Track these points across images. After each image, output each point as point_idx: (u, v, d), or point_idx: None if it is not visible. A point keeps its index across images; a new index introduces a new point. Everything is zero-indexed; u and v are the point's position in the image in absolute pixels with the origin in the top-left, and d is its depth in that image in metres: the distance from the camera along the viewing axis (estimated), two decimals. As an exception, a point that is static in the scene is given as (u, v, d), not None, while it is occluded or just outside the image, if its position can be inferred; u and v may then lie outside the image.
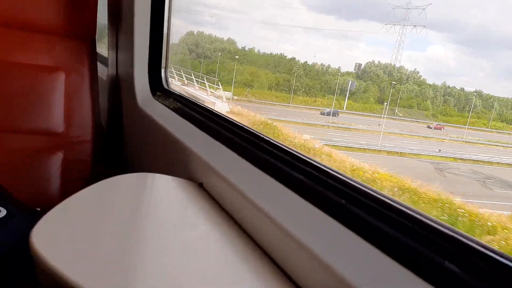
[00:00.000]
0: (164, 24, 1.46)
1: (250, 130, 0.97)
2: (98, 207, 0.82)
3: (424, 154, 12.27)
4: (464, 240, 0.48)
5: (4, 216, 1.04)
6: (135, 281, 0.60)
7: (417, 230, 0.53)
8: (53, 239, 0.66)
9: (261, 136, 0.92)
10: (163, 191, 0.92)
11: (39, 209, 1.18)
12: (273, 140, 0.88)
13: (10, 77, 1.43)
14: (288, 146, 0.84)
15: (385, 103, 18.34)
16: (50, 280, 0.58)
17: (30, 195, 1.21)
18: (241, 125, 1.01)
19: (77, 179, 1.46)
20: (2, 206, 1.05)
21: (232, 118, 1.07)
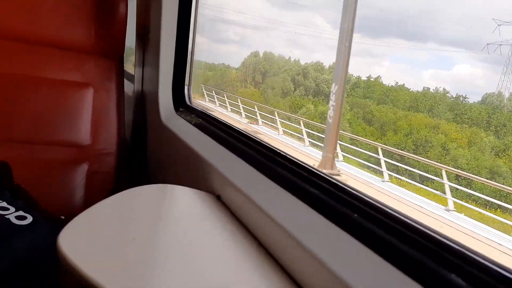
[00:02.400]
0: (189, 44, 1.53)
1: (267, 145, 1.00)
2: (121, 215, 0.86)
3: None
4: (471, 255, 0.49)
5: (30, 222, 1.08)
6: (155, 284, 0.62)
7: (427, 244, 0.54)
8: (79, 244, 0.70)
9: (278, 151, 0.95)
10: (182, 201, 0.95)
11: (63, 217, 1.22)
12: (289, 155, 0.91)
13: (42, 92, 1.51)
14: (303, 161, 0.86)
15: None
16: (75, 281, 0.61)
17: (55, 204, 1.26)
18: (259, 140, 1.04)
19: (100, 189, 1.52)
20: (28, 213, 1.10)
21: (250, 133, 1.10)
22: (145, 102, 1.70)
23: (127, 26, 1.62)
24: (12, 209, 1.06)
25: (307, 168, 0.83)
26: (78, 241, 0.70)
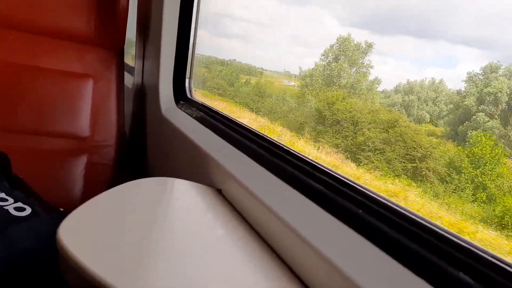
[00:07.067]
0: (191, 36, 1.52)
1: (269, 139, 0.99)
2: (120, 207, 0.85)
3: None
4: (479, 253, 0.48)
5: (29, 214, 1.07)
6: (155, 277, 0.61)
7: (433, 241, 0.53)
8: (79, 236, 0.69)
9: (280, 145, 0.94)
10: (182, 195, 0.94)
11: (62, 209, 1.21)
12: (292, 150, 0.90)
13: (42, 82, 1.50)
14: (307, 156, 0.85)
15: None
16: (75, 274, 0.60)
17: (54, 195, 1.25)
18: (261, 134, 1.03)
19: (99, 182, 1.51)
20: (27, 205, 1.09)
21: (252, 127, 1.09)
22: (145, 95, 1.69)
23: (128, 17, 1.61)
24: (11, 200, 1.05)
25: (310, 162, 0.83)
26: (78, 233, 0.69)
